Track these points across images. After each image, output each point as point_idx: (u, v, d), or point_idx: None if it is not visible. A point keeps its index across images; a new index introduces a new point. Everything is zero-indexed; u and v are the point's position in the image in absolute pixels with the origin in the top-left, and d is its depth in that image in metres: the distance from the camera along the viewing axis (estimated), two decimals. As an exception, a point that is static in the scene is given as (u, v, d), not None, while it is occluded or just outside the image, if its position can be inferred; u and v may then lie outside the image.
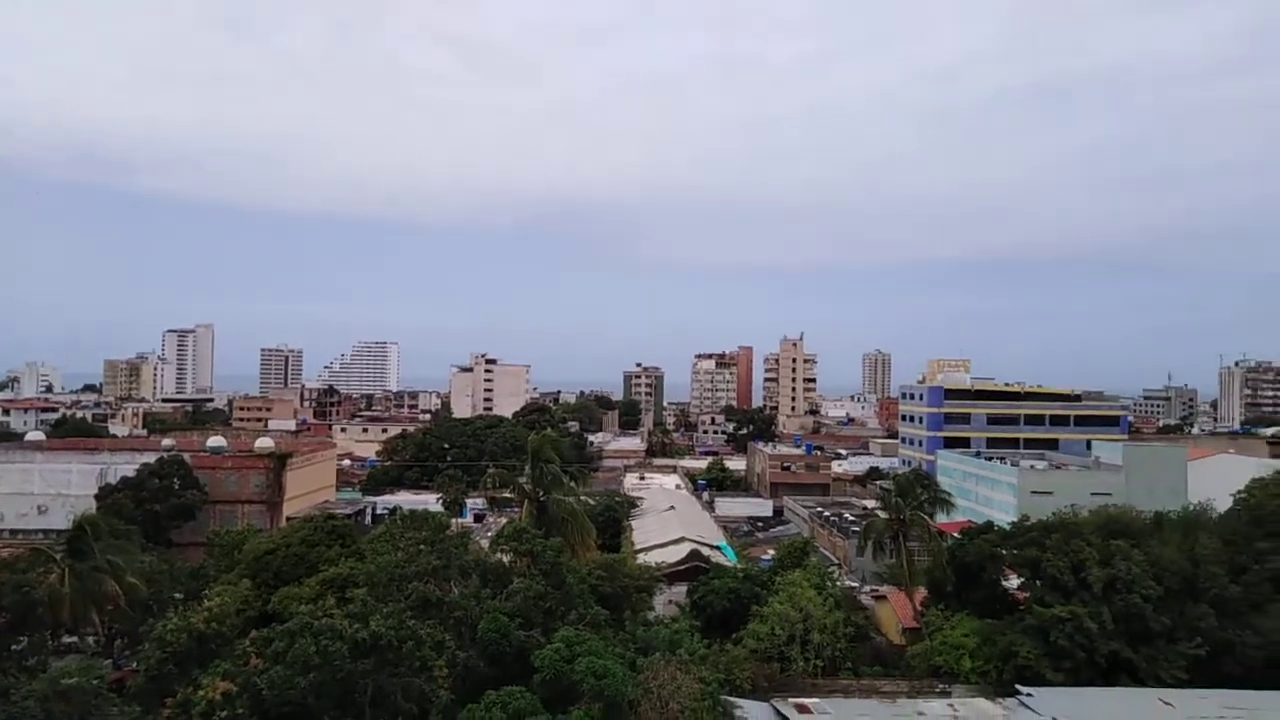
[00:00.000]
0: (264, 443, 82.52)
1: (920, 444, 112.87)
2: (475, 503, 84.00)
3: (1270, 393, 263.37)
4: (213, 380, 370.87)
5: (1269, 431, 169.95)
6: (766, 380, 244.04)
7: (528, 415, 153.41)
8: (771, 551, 64.06)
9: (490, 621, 32.01)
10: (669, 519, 74.07)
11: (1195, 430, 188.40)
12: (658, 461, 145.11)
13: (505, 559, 39.76)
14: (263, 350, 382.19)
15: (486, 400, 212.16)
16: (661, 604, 47.86)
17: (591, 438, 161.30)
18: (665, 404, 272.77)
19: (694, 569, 53.22)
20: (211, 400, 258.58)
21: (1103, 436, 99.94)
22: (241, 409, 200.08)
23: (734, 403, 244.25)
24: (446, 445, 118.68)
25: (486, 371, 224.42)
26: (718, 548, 62.86)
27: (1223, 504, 51.35)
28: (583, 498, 60.55)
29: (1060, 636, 38.71)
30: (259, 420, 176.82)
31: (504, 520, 56.01)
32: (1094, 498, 58.46)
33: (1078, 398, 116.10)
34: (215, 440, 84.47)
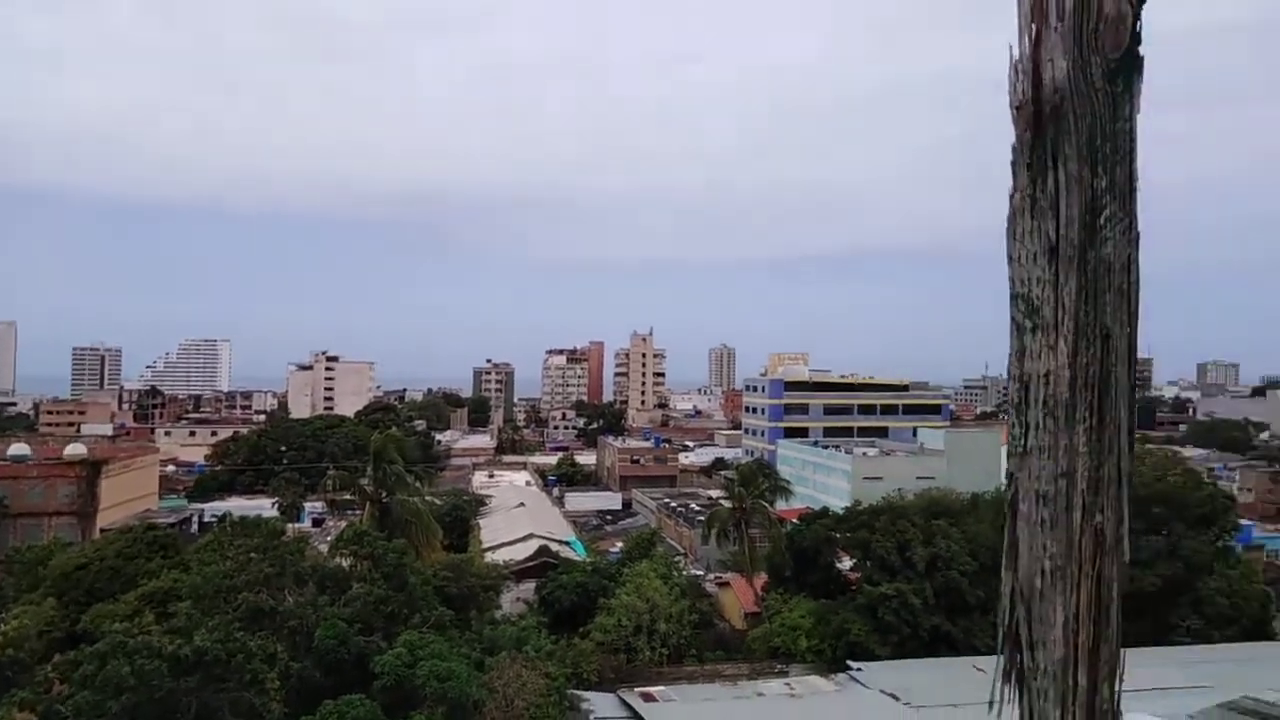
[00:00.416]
0: (75, 449, 76.06)
1: (763, 434, 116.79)
2: (314, 507, 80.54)
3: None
4: (15, 383, 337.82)
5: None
6: (617, 375, 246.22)
7: (371, 414, 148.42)
8: (620, 544, 64.74)
9: (327, 629, 30.81)
10: (518, 516, 73.50)
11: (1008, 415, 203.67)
12: (508, 459, 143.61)
13: (345, 563, 38.38)
14: (75, 349, 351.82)
15: (327, 400, 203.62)
16: (510, 602, 47.48)
17: (439, 436, 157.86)
18: (516, 400, 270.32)
19: (543, 565, 53.04)
20: (14, 404, 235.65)
21: (927, 424, 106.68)
22: (50, 413, 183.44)
23: (585, 398, 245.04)
24: (283, 447, 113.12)
25: (327, 369, 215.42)
26: (567, 543, 62.90)
27: (1029, 483, 55.95)
28: (428, 498, 59.33)
29: (887, 613, 41.14)
30: (70, 425, 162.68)
31: (345, 524, 53.95)
32: (919, 481, 62.30)
33: (905, 388, 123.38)
34: (17, 448, 77.08)
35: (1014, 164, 1.94)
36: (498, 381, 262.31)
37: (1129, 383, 1.91)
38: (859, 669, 36.58)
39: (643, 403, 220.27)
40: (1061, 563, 1.95)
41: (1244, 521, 64.65)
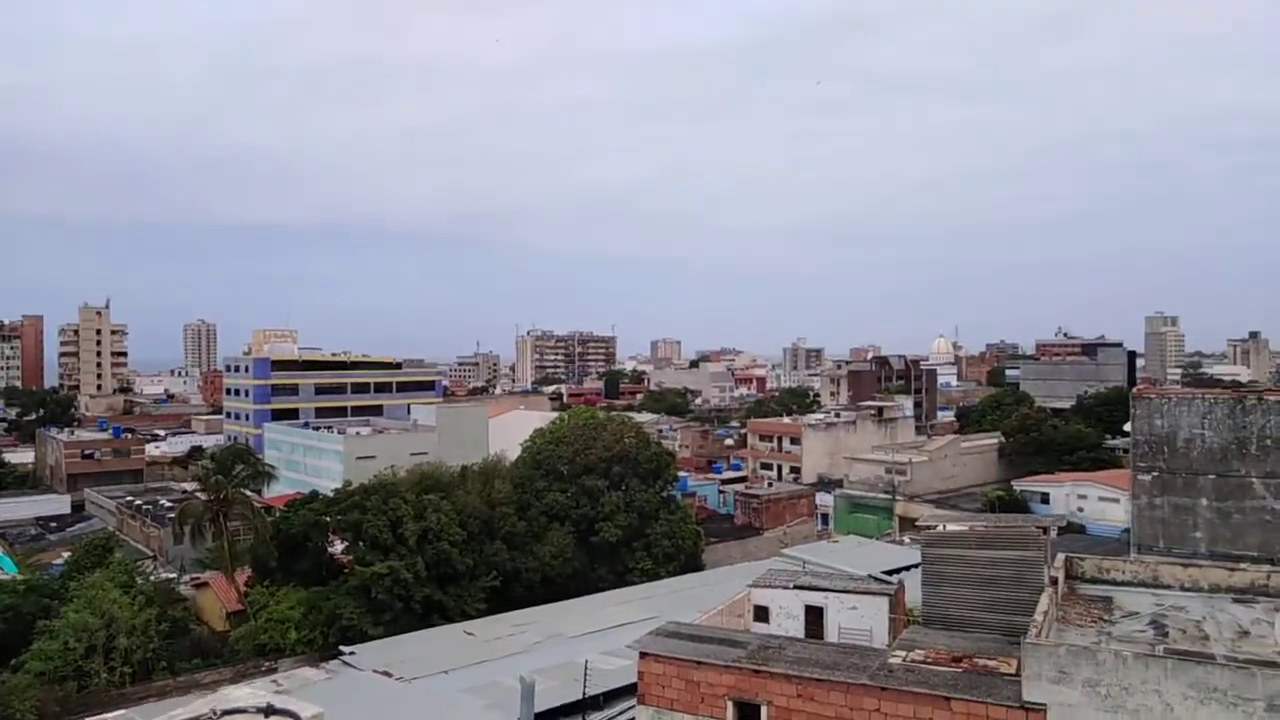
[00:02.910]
0: None
1: (247, 418, 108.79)
2: None
3: (552, 356, 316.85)
4: None
5: (550, 389, 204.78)
6: (63, 356, 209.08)
7: None
8: (67, 554, 55.71)
9: None
10: (-83, 534, 58.68)
11: (498, 390, 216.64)
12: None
13: None
14: None
15: None
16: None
17: None
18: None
19: (-46, 591, 43.17)
20: None
21: (421, 400, 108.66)
22: None
23: (19, 383, 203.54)
24: None
25: None
26: (-9, 560, 52.04)
27: (514, 453, 60.05)
28: None
29: (380, 591, 41.16)
30: None
31: None
32: (413, 457, 62.95)
33: (399, 365, 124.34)
34: None
35: None
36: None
37: None
38: (351, 652, 35.93)
39: (99, 387, 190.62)
40: None
41: (681, 473, 77.24)
